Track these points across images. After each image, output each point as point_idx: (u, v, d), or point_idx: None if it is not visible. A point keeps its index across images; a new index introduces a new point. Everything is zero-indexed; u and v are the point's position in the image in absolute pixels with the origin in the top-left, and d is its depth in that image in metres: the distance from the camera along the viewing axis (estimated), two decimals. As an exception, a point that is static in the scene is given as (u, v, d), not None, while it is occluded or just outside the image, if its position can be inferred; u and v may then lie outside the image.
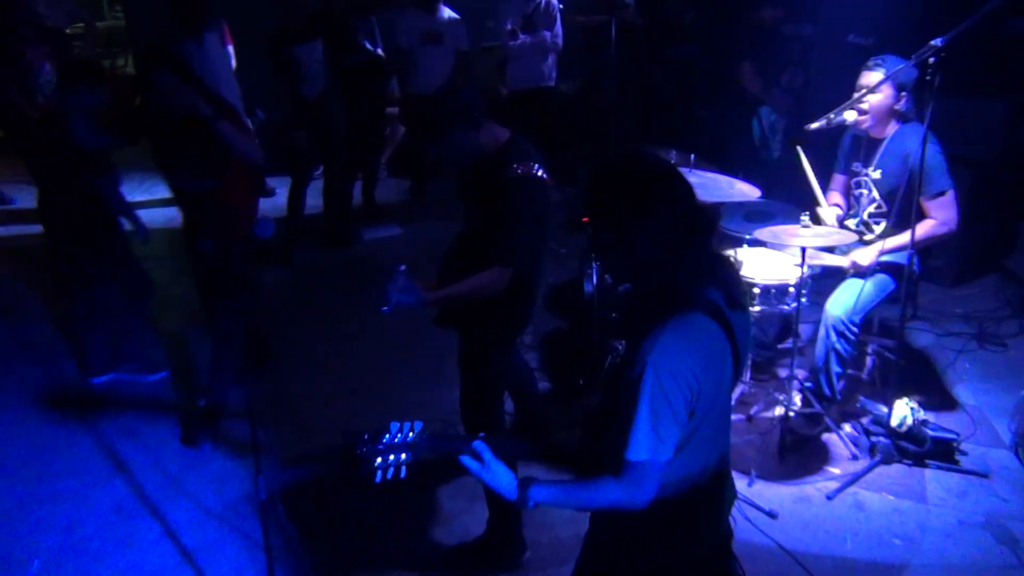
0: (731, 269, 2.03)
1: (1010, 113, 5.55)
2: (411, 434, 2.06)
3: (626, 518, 1.99)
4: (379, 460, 2.03)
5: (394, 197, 7.70)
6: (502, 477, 2.01)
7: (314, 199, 6.70)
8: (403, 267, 2.85)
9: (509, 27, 6.64)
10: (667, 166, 1.97)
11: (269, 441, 4.08)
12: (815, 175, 4.08)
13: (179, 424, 4.36)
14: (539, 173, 3.03)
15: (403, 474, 2.05)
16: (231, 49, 6.98)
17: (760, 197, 4.07)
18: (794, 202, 4.38)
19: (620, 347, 4.44)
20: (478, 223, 3.18)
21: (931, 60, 3.25)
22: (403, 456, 2.05)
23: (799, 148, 4.09)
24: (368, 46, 6.47)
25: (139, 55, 4.08)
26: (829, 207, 4.06)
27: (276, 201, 7.00)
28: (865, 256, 3.82)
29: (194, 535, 3.59)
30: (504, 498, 2.02)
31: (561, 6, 6.81)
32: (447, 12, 6.66)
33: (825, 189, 4.14)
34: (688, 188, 1.92)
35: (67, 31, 7.92)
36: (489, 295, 3.07)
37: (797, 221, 3.73)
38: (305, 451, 4.10)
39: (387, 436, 2.06)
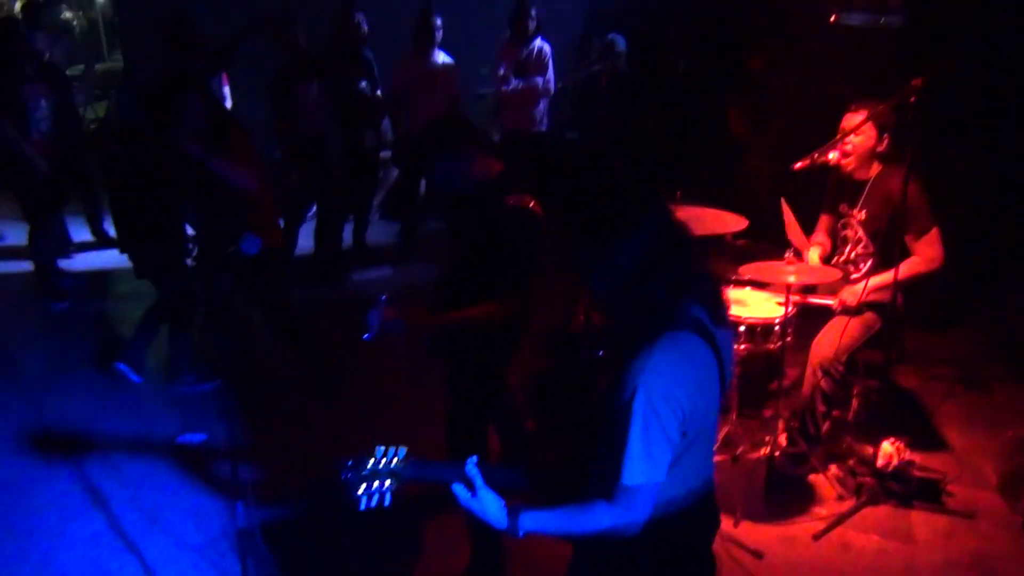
0: (713, 285, 2.04)
1: (995, 156, 5.63)
2: (395, 460, 2.03)
3: (609, 546, 1.97)
4: (363, 487, 1.99)
5: (385, 239, 7.74)
6: (491, 505, 1.96)
7: (304, 239, 6.74)
8: (384, 296, 2.86)
9: (502, 72, 6.75)
10: (646, 186, 1.99)
11: (253, 477, 4.04)
12: (799, 221, 4.14)
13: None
14: (531, 205, 3.06)
15: (388, 502, 2.00)
16: (227, 90, 7.09)
17: (746, 229, 4.11)
18: (779, 244, 4.41)
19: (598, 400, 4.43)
20: (468, 254, 3.20)
21: (911, 100, 3.32)
22: (387, 483, 2.01)
23: (783, 200, 4.14)
24: (365, 87, 6.55)
25: (168, 84, 4.35)
26: (812, 246, 4.10)
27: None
28: (852, 295, 3.84)
29: (171, 570, 3.54)
30: (492, 527, 1.96)
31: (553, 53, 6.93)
32: (441, 56, 6.78)
33: (810, 233, 4.18)
34: (667, 207, 1.93)
35: (67, 72, 8.03)
36: (485, 327, 3.08)
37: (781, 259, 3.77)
38: (290, 488, 4.06)
39: (371, 462, 2.02)
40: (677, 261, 1.92)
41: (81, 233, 7.52)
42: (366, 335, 2.84)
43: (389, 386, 5.03)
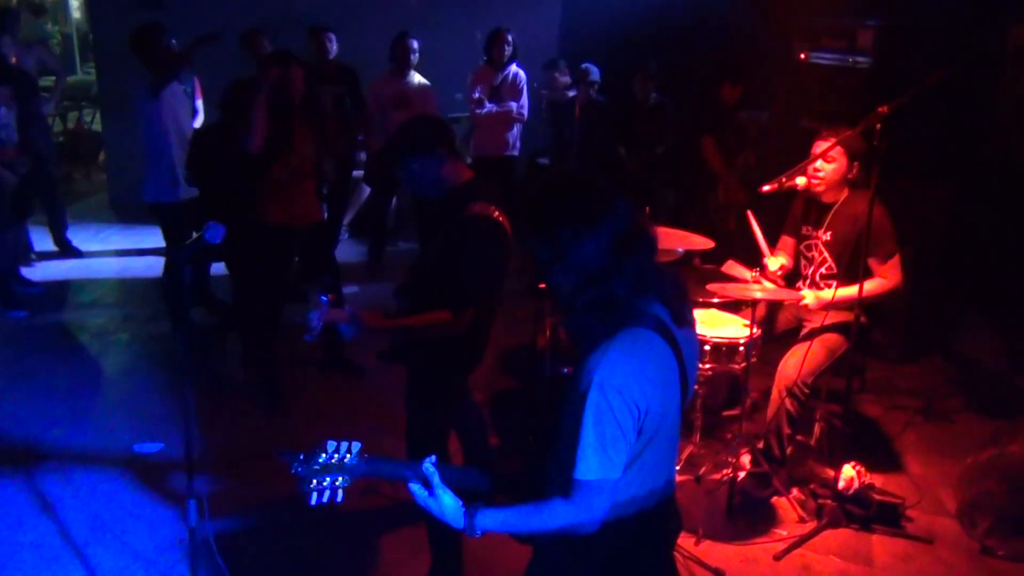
0: (676, 285, 2.04)
1: (955, 196, 5.76)
2: (348, 456, 1.97)
3: (569, 546, 1.94)
4: (314, 482, 1.94)
5: (353, 258, 7.71)
6: (448, 505, 1.93)
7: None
8: (325, 298, 2.82)
9: (476, 96, 6.80)
10: (606, 184, 1.96)
11: (209, 486, 3.95)
12: (765, 237, 4.18)
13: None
14: (497, 216, 3.04)
15: (339, 498, 1.96)
16: (200, 104, 7.05)
17: (713, 255, 4.15)
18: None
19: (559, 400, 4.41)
20: (429, 260, 3.18)
21: (877, 127, 3.39)
22: (340, 479, 1.96)
23: (750, 213, 4.19)
24: (329, 109, 6.49)
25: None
26: (774, 256, 4.14)
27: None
28: (816, 298, 3.89)
29: (119, 578, 3.44)
30: (451, 531, 1.94)
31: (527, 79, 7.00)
32: (417, 77, 6.82)
33: (772, 247, 4.23)
34: (628, 205, 1.91)
35: (39, 82, 7.95)
36: (442, 334, 3.03)
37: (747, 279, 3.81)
38: (246, 497, 3.97)
39: (323, 456, 1.97)
40: (638, 259, 1.91)
41: (43, 242, 7.42)
42: (307, 335, 2.79)
43: (352, 398, 4.98)
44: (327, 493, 1.95)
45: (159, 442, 4.41)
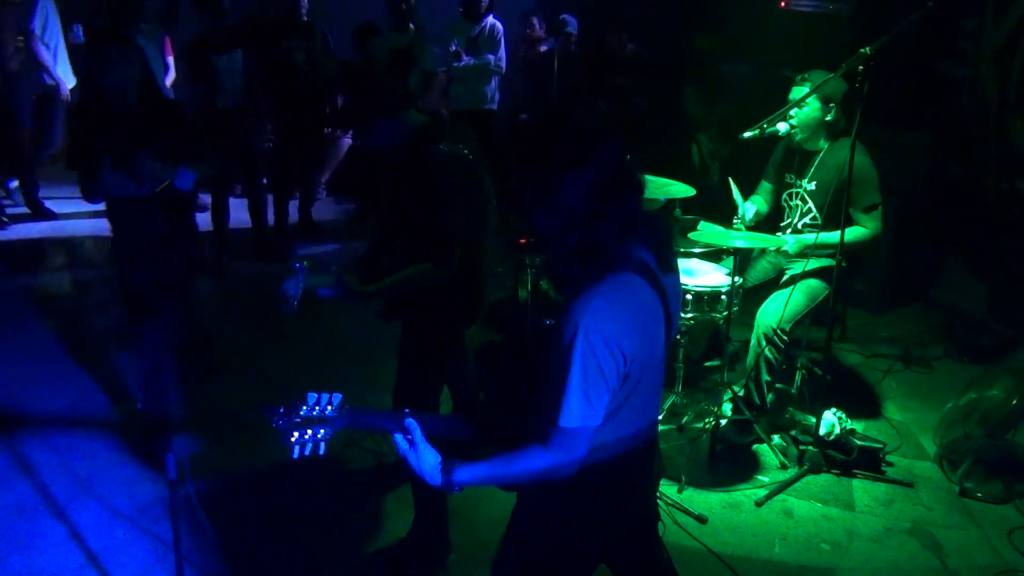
0: (662, 231, 2.01)
1: (936, 146, 5.76)
2: (329, 408, 1.96)
3: (551, 489, 1.93)
4: (295, 435, 1.93)
5: (332, 216, 7.62)
6: (427, 460, 1.91)
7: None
8: (301, 264, 2.76)
9: (453, 48, 6.69)
10: (594, 126, 1.92)
11: (191, 446, 3.91)
12: (744, 197, 4.16)
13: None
14: (464, 152, 2.91)
15: (322, 451, 1.94)
16: (171, 60, 6.90)
17: (694, 206, 4.12)
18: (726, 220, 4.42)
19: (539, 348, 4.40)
20: (401, 206, 3.01)
21: (860, 68, 3.34)
22: (321, 432, 1.94)
23: (730, 179, 4.15)
24: (303, 61, 6.34)
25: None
26: (749, 204, 4.12)
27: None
28: (793, 245, 3.88)
29: (101, 537, 3.39)
30: (427, 484, 1.91)
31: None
32: (417, 35, 6.70)
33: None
34: (618, 148, 1.87)
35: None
36: (435, 284, 2.94)
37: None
38: (229, 455, 3.94)
39: (304, 408, 1.95)
40: (625, 203, 1.88)
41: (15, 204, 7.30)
42: (286, 307, 2.74)
43: (332, 352, 4.96)
44: (309, 446, 1.93)
45: (137, 401, 4.36)
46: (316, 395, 1.97)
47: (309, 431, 1.93)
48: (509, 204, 1.96)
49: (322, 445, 1.94)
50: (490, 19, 6.76)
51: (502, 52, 6.81)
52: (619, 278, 1.82)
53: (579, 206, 1.82)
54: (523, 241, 4.62)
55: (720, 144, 6.20)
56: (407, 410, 1.98)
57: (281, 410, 1.95)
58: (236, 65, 5.91)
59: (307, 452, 1.93)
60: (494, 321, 5.32)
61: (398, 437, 1.95)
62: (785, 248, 3.86)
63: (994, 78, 5.53)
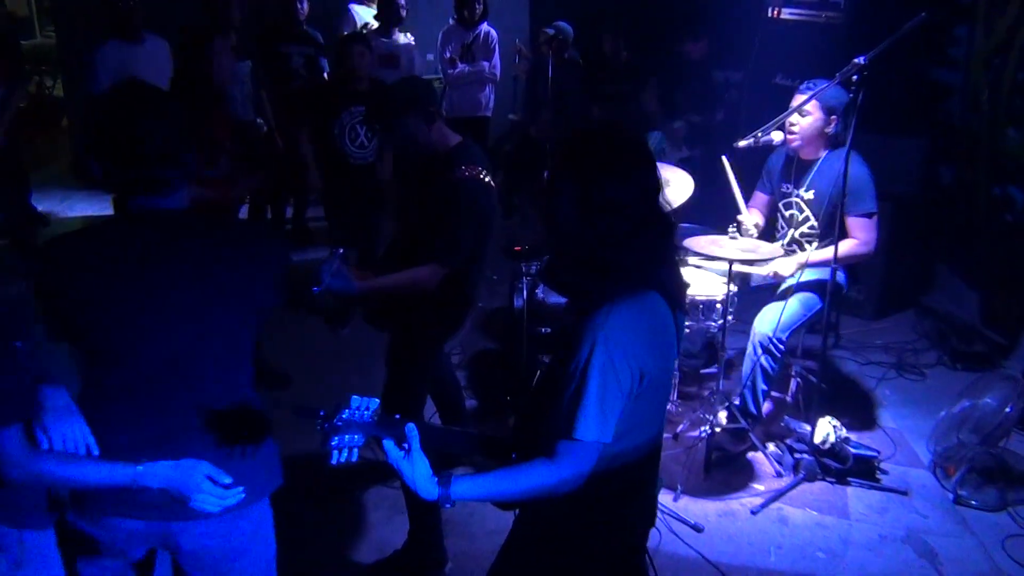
0: (673, 246, 2.02)
1: (929, 153, 5.78)
2: (367, 412, 1.87)
3: (555, 502, 1.91)
4: (335, 439, 1.84)
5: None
6: (421, 472, 1.82)
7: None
8: (341, 250, 2.76)
9: (448, 55, 6.69)
10: (640, 139, 1.93)
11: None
12: (741, 190, 4.14)
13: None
14: (485, 178, 3.02)
15: (355, 458, 1.85)
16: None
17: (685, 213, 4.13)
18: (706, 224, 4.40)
19: (548, 362, 4.40)
20: (417, 222, 3.14)
21: (855, 78, 3.36)
22: (356, 438, 1.86)
23: (724, 158, 4.13)
24: (302, 71, 6.35)
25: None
26: (749, 214, 4.12)
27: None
28: (786, 266, 3.87)
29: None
30: (420, 497, 1.83)
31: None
32: (402, 36, 6.68)
33: (747, 201, 4.21)
34: (655, 169, 1.86)
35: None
36: (421, 291, 3.02)
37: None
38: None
39: (347, 412, 1.86)
40: (657, 220, 1.88)
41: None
42: (315, 287, 2.72)
43: (324, 355, 4.95)
44: (345, 452, 1.85)
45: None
46: (360, 398, 1.89)
47: (347, 436, 1.85)
48: (541, 215, 1.93)
49: (355, 452, 1.86)
50: (484, 26, 6.76)
51: (496, 59, 6.81)
52: (639, 293, 1.82)
53: (619, 226, 1.80)
54: (518, 248, 4.62)
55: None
56: (410, 422, 1.88)
57: (322, 413, 1.86)
58: (245, 72, 5.91)
59: (343, 459, 1.84)
60: (488, 328, 5.32)
61: (389, 444, 1.85)
62: (778, 271, 3.86)
63: (986, 85, 5.55)
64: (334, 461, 1.84)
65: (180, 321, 1.94)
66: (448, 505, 1.84)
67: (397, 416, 1.90)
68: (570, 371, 1.78)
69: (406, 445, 1.84)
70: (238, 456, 2.03)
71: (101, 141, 1.92)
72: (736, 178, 4.09)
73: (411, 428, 1.85)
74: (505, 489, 1.85)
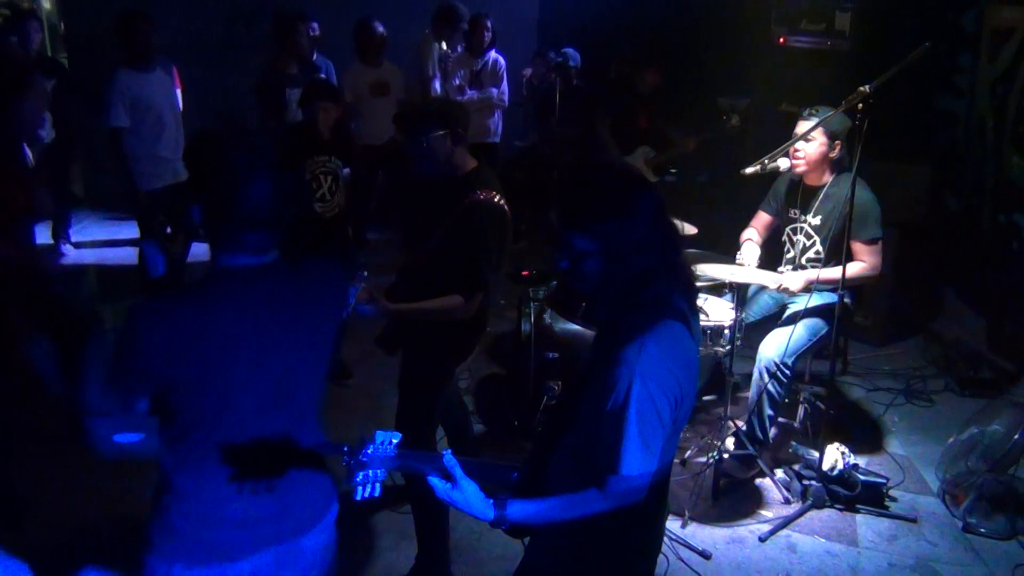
0: (687, 271, 2.05)
1: (935, 180, 5.80)
2: (391, 446, 1.84)
3: (569, 531, 1.92)
4: (360, 475, 1.81)
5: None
6: (474, 496, 1.82)
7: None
8: (365, 272, 2.78)
9: (457, 83, 6.76)
10: (641, 175, 1.96)
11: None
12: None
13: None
14: (501, 203, 3.05)
15: (378, 492, 1.83)
16: (179, 93, 6.95)
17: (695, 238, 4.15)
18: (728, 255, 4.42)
19: (556, 388, 4.41)
20: (434, 243, 3.15)
21: (859, 106, 3.39)
22: (379, 472, 1.83)
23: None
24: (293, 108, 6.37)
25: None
26: (744, 242, 4.14)
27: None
28: (794, 281, 3.87)
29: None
30: (477, 518, 1.84)
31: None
32: (388, 65, 6.77)
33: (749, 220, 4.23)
34: (662, 199, 1.91)
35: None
36: (450, 319, 3.06)
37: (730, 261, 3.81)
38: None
39: (371, 447, 1.83)
40: (676, 254, 1.93)
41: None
42: (344, 311, 2.73)
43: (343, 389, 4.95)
44: (369, 487, 1.82)
45: (140, 432, 4.34)
46: (384, 432, 1.86)
47: (371, 472, 1.82)
48: (558, 251, 1.95)
49: (378, 487, 1.83)
50: (492, 53, 6.83)
51: (504, 86, 6.88)
52: (666, 325, 1.85)
53: (639, 262, 1.86)
54: (525, 273, 4.65)
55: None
56: (446, 451, 1.89)
57: (346, 448, 1.84)
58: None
59: (367, 494, 1.82)
60: (495, 353, 5.33)
61: (434, 479, 1.84)
62: (786, 285, 3.87)
63: (990, 113, 5.59)
64: (359, 496, 1.82)
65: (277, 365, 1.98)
66: (504, 527, 1.86)
67: (431, 451, 1.92)
68: (609, 408, 1.81)
69: (450, 476, 1.83)
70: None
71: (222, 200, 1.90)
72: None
73: (449, 457, 1.84)
74: (558, 516, 1.88)
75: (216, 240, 1.93)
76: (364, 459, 1.81)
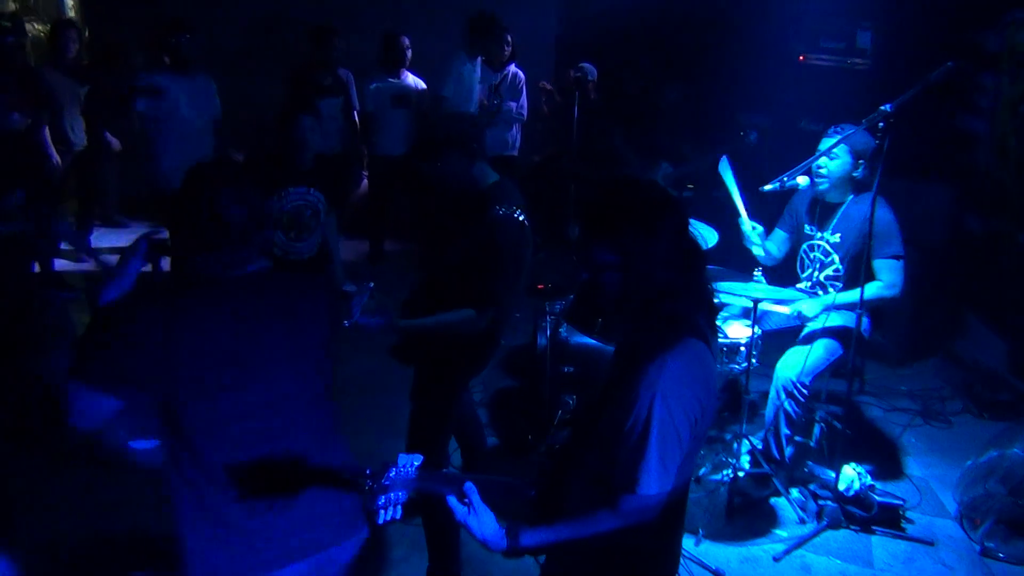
0: (711, 292, 2.05)
1: (956, 200, 5.77)
2: (411, 469, 1.86)
3: (585, 550, 1.92)
4: (382, 499, 1.82)
5: (346, 256, 7.65)
6: (489, 525, 1.85)
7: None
8: (371, 284, 2.79)
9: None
10: (666, 193, 1.97)
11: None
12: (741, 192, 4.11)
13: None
14: (521, 218, 3.05)
15: (399, 515, 1.84)
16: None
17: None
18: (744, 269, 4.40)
19: (571, 401, 4.39)
20: (453, 258, 3.16)
21: (880, 125, 3.37)
22: (401, 495, 1.84)
23: (725, 159, 4.10)
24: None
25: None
26: (750, 223, 4.10)
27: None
28: (811, 308, 3.85)
29: None
30: (489, 548, 1.85)
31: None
32: (410, 77, 6.81)
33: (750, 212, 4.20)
34: (685, 215, 1.92)
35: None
36: (462, 333, 3.05)
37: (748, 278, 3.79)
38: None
39: (393, 470, 1.85)
40: (699, 272, 1.94)
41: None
42: (346, 322, 2.73)
43: (349, 397, 4.93)
44: (391, 510, 1.83)
45: (154, 439, 4.35)
46: (406, 456, 1.88)
47: (393, 494, 1.83)
48: (580, 263, 1.98)
49: (400, 509, 1.84)
50: (512, 67, 6.87)
51: (523, 100, 6.91)
52: (688, 344, 1.85)
53: (663, 276, 1.86)
54: (541, 286, 4.65)
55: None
56: (467, 477, 1.91)
57: (368, 471, 1.85)
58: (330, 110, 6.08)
59: (389, 517, 1.83)
60: (510, 366, 5.32)
61: (453, 501, 1.86)
62: (804, 313, 3.84)
63: (1012, 132, 5.55)
64: (381, 520, 1.83)
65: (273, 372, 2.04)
66: (519, 556, 1.89)
67: (447, 470, 1.93)
68: (629, 426, 1.81)
69: (468, 500, 1.85)
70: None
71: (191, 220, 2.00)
72: (736, 180, 4.06)
73: (469, 485, 1.86)
74: (570, 537, 1.88)
75: (189, 252, 2.01)
76: (387, 483, 1.82)
